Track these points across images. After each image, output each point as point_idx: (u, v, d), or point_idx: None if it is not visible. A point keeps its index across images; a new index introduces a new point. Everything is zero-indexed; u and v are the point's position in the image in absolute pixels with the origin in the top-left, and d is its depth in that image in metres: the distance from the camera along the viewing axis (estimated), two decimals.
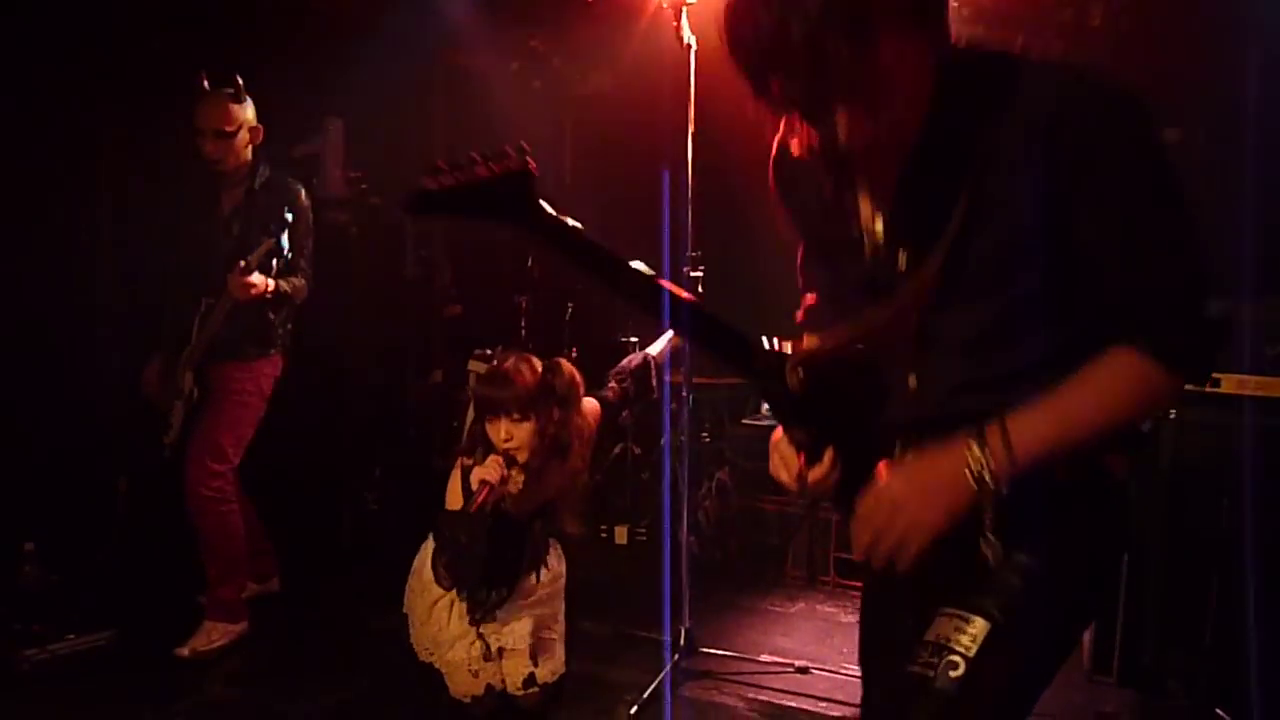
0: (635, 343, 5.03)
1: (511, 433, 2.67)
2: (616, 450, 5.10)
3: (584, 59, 5.85)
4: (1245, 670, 2.87)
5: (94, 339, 3.93)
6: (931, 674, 1.33)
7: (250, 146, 3.65)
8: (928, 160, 1.34)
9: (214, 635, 3.56)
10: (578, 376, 2.83)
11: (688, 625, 3.46)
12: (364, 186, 5.14)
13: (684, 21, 3.33)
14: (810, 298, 1.70)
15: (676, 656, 3.39)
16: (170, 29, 4.07)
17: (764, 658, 3.64)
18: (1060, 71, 1.30)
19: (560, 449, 2.76)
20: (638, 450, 5.15)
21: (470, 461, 2.74)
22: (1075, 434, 1.34)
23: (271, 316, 3.66)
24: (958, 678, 1.32)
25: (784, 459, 1.49)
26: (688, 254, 3.43)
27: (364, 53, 4.97)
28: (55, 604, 3.71)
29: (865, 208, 1.44)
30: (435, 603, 2.78)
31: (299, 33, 4.52)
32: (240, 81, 3.60)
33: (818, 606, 4.24)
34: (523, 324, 5.33)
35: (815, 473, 1.44)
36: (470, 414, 2.86)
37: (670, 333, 3.17)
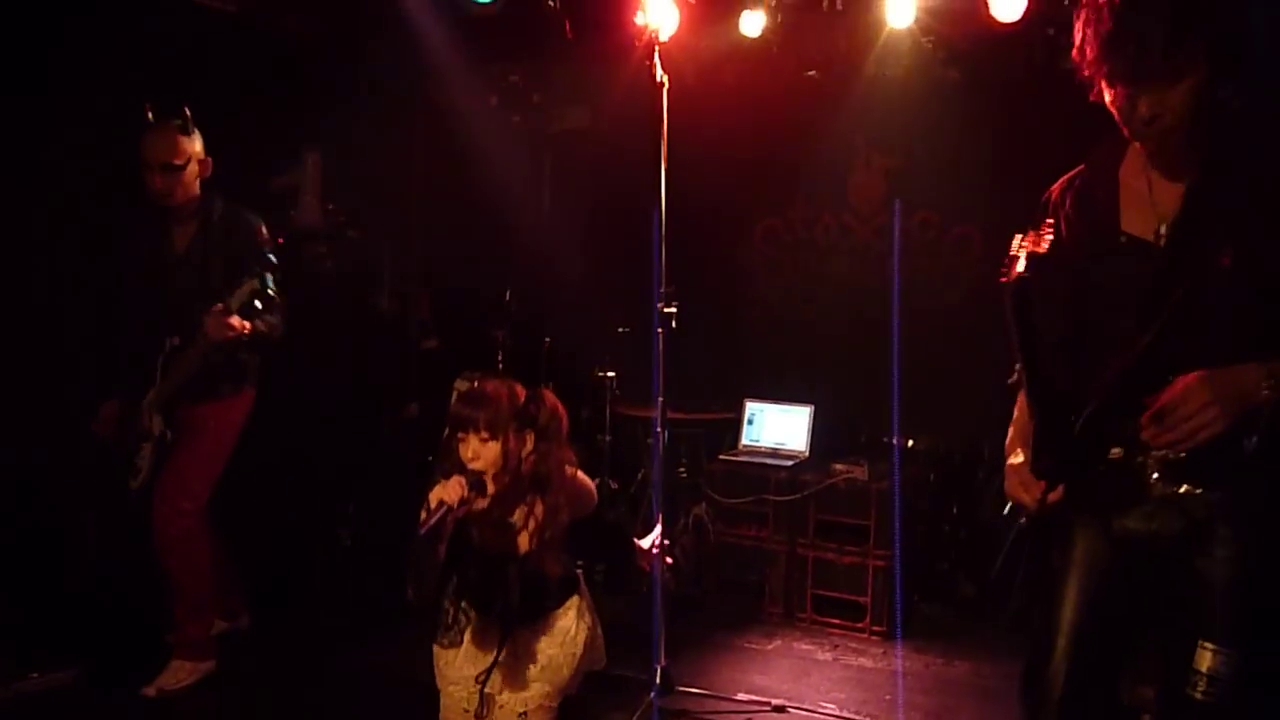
0: (612, 377, 5.01)
1: (479, 452, 2.61)
2: (595, 483, 5.06)
3: (563, 95, 5.89)
4: None
5: (60, 371, 3.86)
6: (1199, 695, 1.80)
7: (199, 180, 3.50)
8: (1207, 190, 1.79)
9: (181, 674, 3.49)
10: (561, 409, 2.79)
11: (664, 663, 3.43)
12: (341, 219, 5.13)
13: (656, 60, 3.36)
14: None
15: (653, 695, 3.35)
16: (145, 64, 4.04)
17: (740, 696, 3.61)
18: None
19: (539, 482, 2.71)
20: (615, 485, 5.12)
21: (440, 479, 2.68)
22: None
23: (244, 355, 3.60)
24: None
25: (1025, 484, 1.92)
26: (661, 290, 3.41)
27: (342, 86, 4.97)
28: (18, 641, 3.63)
29: (1141, 216, 1.85)
30: None
31: (277, 65, 4.53)
32: (188, 112, 3.45)
33: (794, 644, 4.21)
34: (500, 358, 5.31)
35: (1054, 496, 1.87)
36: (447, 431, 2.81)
37: (659, 530, 3.19)
